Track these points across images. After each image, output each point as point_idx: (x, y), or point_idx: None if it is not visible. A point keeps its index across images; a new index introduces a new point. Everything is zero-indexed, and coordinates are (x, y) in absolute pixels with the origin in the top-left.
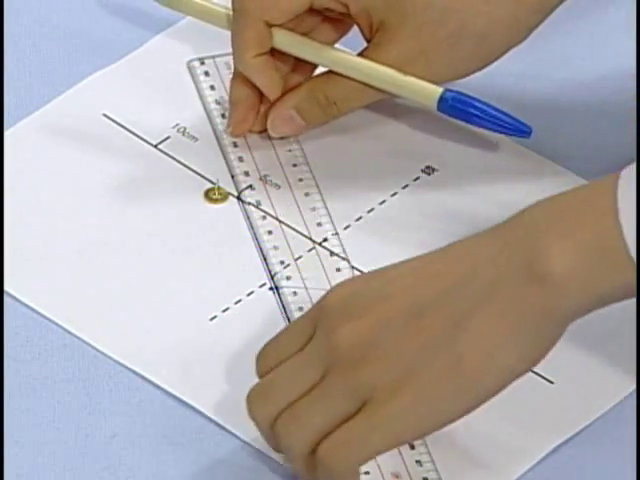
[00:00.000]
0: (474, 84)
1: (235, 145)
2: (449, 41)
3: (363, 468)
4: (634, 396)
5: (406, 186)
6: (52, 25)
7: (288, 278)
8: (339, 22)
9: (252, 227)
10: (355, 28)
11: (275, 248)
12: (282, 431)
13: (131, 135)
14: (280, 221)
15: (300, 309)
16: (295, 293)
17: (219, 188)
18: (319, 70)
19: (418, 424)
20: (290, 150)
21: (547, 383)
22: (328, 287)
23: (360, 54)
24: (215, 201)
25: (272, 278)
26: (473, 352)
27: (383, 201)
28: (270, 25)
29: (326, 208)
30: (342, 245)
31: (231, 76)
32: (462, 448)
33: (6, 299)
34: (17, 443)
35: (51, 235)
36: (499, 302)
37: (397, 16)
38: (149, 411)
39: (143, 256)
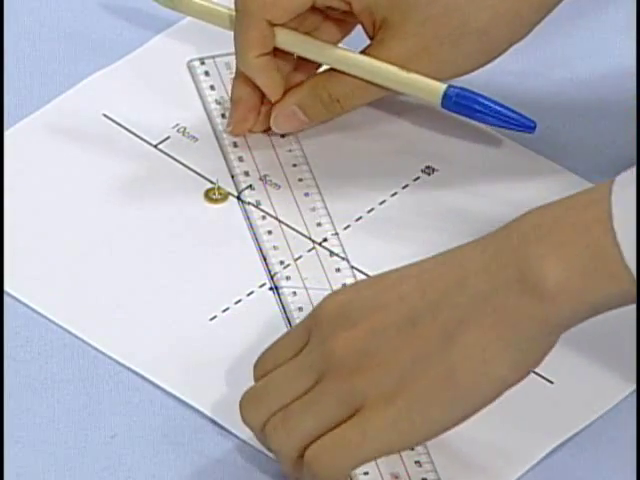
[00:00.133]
0: (474, 83)
1: (235, 145)
2: (452, 37)
3: (362, 468)
4: (634, 396)
5: (406, 186)
6: (52, 25)
7: (288, 278)
8: (342, 21)
9: (252, 227)
10: (357, 27)
11: (275, 248)
12: (271, 433)
13: (131, 135)
14: (280, 221)
15: (300, 309)
16: (295, 293)
17: (219, 188)
18: (322, 69)
19: (411, 433)
20: (290, 150)
21: (547, 383)
22: (328, 287)
23: (363, 52)
24: (215, 201)
25: (272, 278)
26: (466, 362)
27: (383, 201)
28: (273, 24)
29: (326, 208)
30: (342, 245)
31: (231, 76)
32: (461, 449)
33: (6, 299)
34: (17, 443)
35: (51, 235)
36: (492, 312)
37: (400, 13)
38: (149, 411)
39: (143, 256)
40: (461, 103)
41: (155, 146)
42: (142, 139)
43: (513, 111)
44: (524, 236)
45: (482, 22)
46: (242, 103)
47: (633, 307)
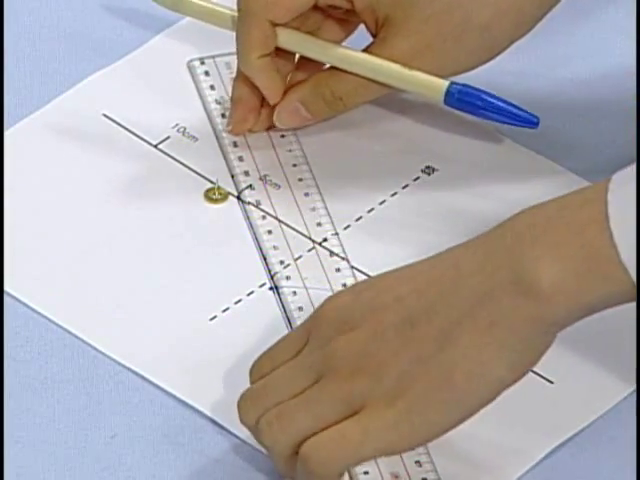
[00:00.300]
0: (474, 83)
1: (235, 145)
2: (454, 34)
3: (362, 468)
4: (634, 396)
5: (406, 186)
6: (52, 25)
7: (288, 278)
8: (344, 21)
9: (252, 227)
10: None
11: (275, 248)
12: (265, 428)
13: (131, 135)
14: (280, 221)
15: (300, 309)
16: (295, 293)
17: (219, 188)
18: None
19: (411, 435)
20: (290, 150)
21: (547, 383)
22: (328, 287)
23: (366, 50)
24: (215, 201)
25: (272, 278)
26: (463, 364)
27: (383, 201)
28: (275, 24)
29: (326, 208)
30: (342, 245)
31: (231, 76)
32: (461, 449)
33: (6, 299)
34: (17, 443)
35: (51, 235)
36: (487, 313)
37: (402, 10)
38: (149, 411)
39: (143, 256)
40: (464, 100)
41: (155, 146)
42: (142, 139)
43: (516, 107)
44: (518, 236)
45: (484, 18)
46: (242, 103)
47: (633, 307)
